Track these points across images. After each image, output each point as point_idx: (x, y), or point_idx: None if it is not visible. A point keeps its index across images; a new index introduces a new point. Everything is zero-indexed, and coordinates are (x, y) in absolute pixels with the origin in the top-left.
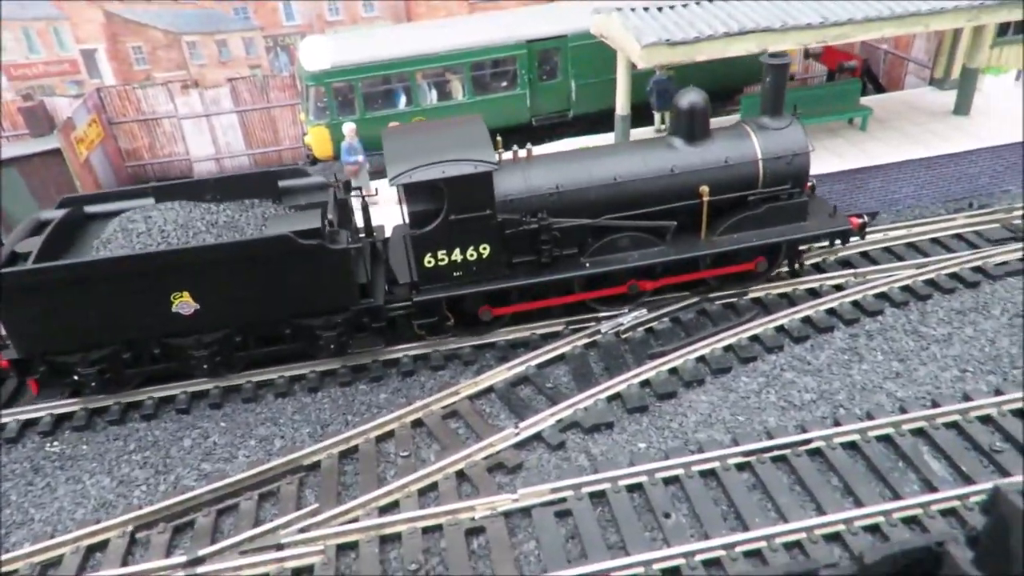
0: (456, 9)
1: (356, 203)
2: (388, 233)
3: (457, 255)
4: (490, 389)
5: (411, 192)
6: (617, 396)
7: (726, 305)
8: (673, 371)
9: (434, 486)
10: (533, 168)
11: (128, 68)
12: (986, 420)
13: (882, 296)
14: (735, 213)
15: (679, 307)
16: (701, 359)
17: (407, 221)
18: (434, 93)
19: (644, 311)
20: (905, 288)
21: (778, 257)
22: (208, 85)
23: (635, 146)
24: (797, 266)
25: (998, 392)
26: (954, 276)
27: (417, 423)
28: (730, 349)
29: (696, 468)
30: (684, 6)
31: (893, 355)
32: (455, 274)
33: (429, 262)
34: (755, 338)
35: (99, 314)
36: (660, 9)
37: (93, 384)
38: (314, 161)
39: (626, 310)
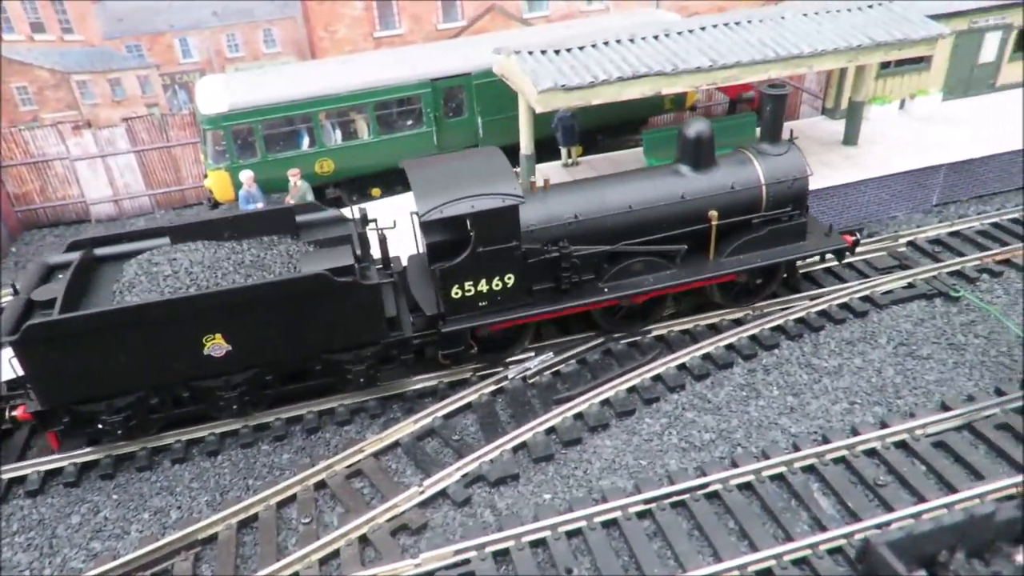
0: (362, 43)
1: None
2: (403, 263)
3: (483, 286)
4: (396, 444)
5: (433, 225)
6: (523, 445)
7: (630, 344)
8: (579, 416)
9: (336, 554)
10: (551, 198)
11: (13, 109)
12: (871, 453)
13: (778, 329)
14: (740, 235)
15: (585, 348)
16: (606, 402)
17: (423, 252)
18: (338, 133)
19: (551, 354)
20: (800, 320)
21: (777, 275)
22: (102, 125)
23: (646, 174)
24: (793, 281)
25: (883, 424)
26: (844, 307)
27: (320, 485)
28: (634, 391)
29: (598, 519)
30: (580, 49)
31: (788, 389)
32: (481, 304)
33: (456, 293)
34: (658, 378)
35: (127, 360)
36: (557, 52)
37: (119, 432)
38: (215, 204)
39: (532, 354)
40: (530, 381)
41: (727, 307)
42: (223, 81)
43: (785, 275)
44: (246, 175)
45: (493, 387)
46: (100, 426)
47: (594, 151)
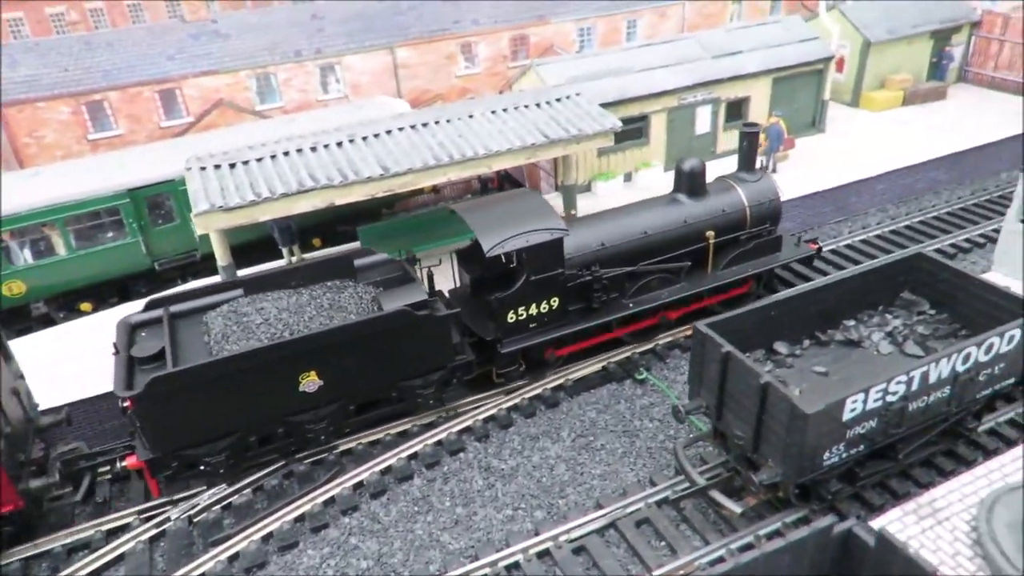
0: (76, 147)
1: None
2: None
3: (533, 309)
4: None
5: (471, 259)
6: None
7: (314, 462)
8: (234, 557)
9: None
10: (579, 229)
11: None
12: (515, 567)
13: (467, 431)
14: (731, 250)
15: (263, 474)
16: (269, 536)
17: (460, 284)
18: (27, 252)
19: (224, 486)
20: (489, 419)
21: (760, 281)
22: None
23: (653, 204)
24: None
25: (536, 532)
26: (537, 398)
27: None
28: (302, 519)
29: None
30: (259, 161)
31: (460, 499)
32: (531, 325)
33: (511, 318)
34: (331, 500)
35: (232, 403)
36: (232, 165)
37: (220, 472)
38: None
39: (204, 487)
40: (195, 520)
41: (719, 312)
42: None
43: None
44: None
45: (154, 530)
46: (202, 468)
47: (334, 242)
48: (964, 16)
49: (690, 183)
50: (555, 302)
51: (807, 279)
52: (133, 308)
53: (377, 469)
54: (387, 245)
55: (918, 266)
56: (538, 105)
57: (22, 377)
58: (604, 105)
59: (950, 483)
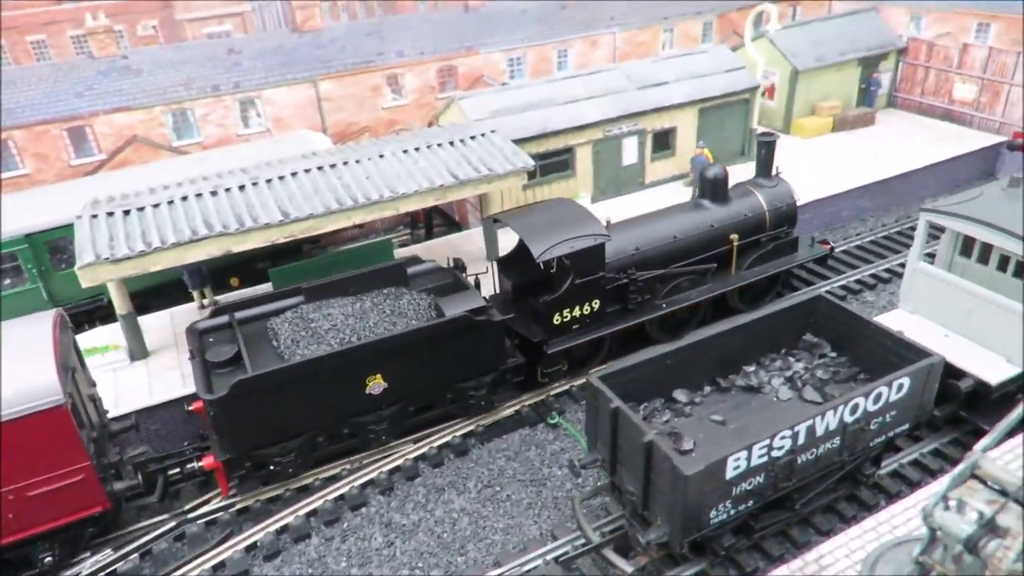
0: None
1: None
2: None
3: (577, 311)
4: None
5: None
6: None
7: (209, 522)
8: None
9: None
10: (615, 235)
11: None
12: None
13: (370, 484)
14: (752, 252)
15: (153, 537)
16: None
17: (500, 290)
18: None
19: (109, 551)
20: (395, 470)
21: (778, 281)
22: None
23: (680, 210)
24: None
25: None
26: (447, 446)
27: None
28: None
29: None
30: (155, 207)
31: (357, 558)
32: (574, 327)
33: (557, 320)
34: (221, 565)
35: (303, 405)
36: (127, 212)
37: (289, 471)
38: None
39: (88, 553)
40: None
41: (742, 310)
42: None
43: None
44: None
45: None
46: (272, 467)
47: (254, 281)
48: (891, 43)
49: (714, 189)
50: (596, 304)
51: (824, 277)
52: None
53: (273, 528)
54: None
55: (818, 308)
56: (451, 143)
57: (95, 385)
58: (528, 139)
59: (838, 538)
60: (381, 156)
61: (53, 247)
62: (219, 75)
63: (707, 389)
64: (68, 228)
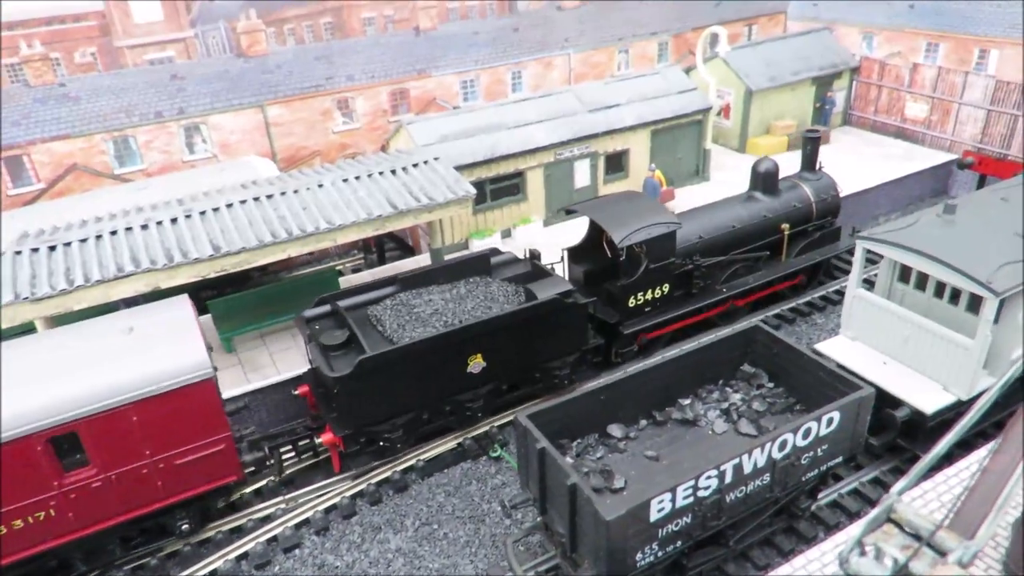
0: None
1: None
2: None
3: (650, 294)
4: None
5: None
6: None
7: (135, 567)
8: None
9: None
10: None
11: None
12: None
13: (305, 523)
14: (800, 241)
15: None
16: None
17: (570, 278)
18: None
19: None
20: (331, 508)
21: (820, 270)
22: None
23: (736, 201)
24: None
25: None
26: (386, 481)
27: None
28: None
29: None
30: (82, 242)
31: None
32: (646, 309)
33: (632, 303)
34: None
35: (412, 384)
36: (53, 248)
37: (397, 446)
38: None
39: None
40: None
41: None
42: None
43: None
44: None
45: None
46: (381, 443)
47: (200, 311)
48: (844, 63)
49: (765, 182)
50: (666, 288)
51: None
52: None
53: (201, 574)
54: (237, 320)
55: (755, 338)
56: (393, 172)
57: (216, 368)
58: (477, 163)
59: (781, 569)
60: (320, 186)
61: None
62: (162, 101)
63: (643, 423)
64: None
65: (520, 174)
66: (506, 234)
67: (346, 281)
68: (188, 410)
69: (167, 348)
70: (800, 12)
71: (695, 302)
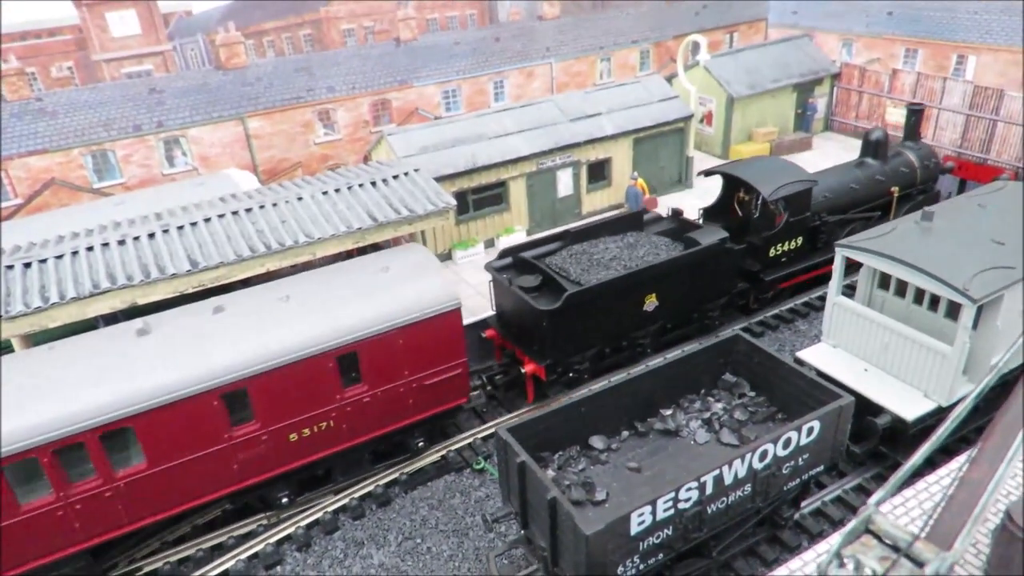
0: None
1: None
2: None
3: (788, 246)
4: None
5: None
6: None
7: None
8: None
9: None
10: None
11: None
12: None
13: (287, 539)
14: (905, 203)
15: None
16: None
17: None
18: None
19: None
20: (314, 524)
21: None
22: None
23: (851, 166)
24: None
25: None
26: (368, 496)
27: None
28: None
29: None
30: (58, 258)
31: None
32: (782, 260)
33: (772, 253)
34: None
35: (599, 320)
36: (28, 265)
37: (584, 377)
38: None
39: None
40: None
41: None
42: None
43: None
44: None
45: None
46: (571, 374)
47: None
48: (824, 69)
49: (875, 150)
50: (799, 240)
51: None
52: None
53: None
54: None
55: (736, 348)
56: (373, 184)
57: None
58: (459, 174)
59: None
60: (300, 199)
61: None
62: (141, 115)
63: (625, 434)
64: None
65: (502, 184)
66: (489, 244)
67: None
68: (439, 336)
69: (422, 283)
70: (780, 19)
71: (819, 256)
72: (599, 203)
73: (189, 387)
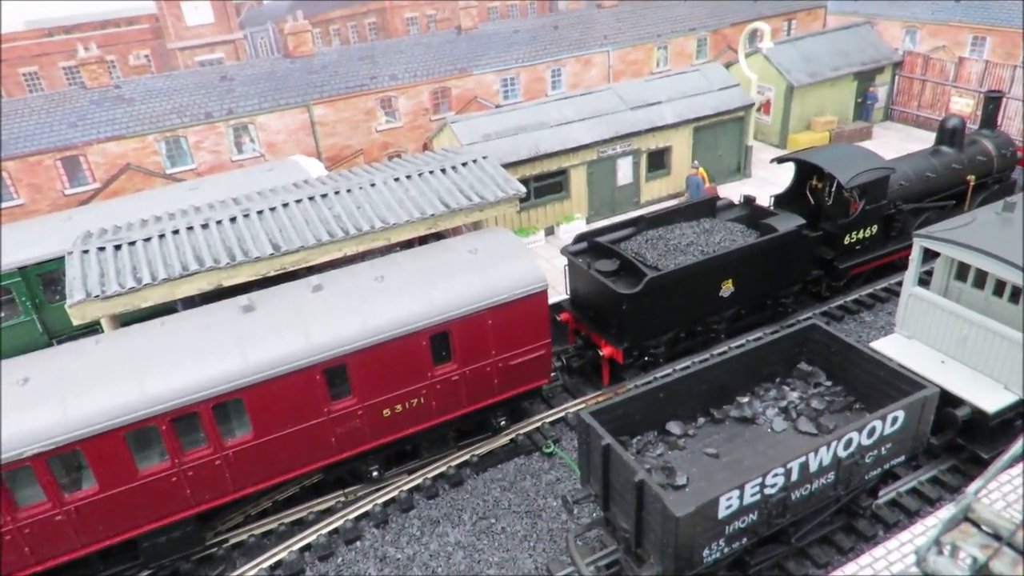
0: None
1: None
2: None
3: (863, 234)
4: None
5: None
6: None
7: (202, 559)
8: None
9: None
10: None
11: None
12: None
13: (364, 516)
14: (981, 192)
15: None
16: None
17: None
18: None
19: None
20: (391, 501)
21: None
22: None
23: (926, 154)
24: None
25: None
26: (441, 476)
27: None
28: None
29: None
30: (146, 241)
31: None
32: (857, 248)
33: (847, 240)
34: None
35: (677, 304)
36: (118, 247)
37: (660, 360)
38: None
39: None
40: None
41: None
42: None
43: None
44: None
45: None
46: (647, 358)
47: None
48: (886, 57)
49: (951, 137)
50: (875, 228)
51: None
52: None
53: (267, 564)
54: None
55: (812, 338)
56: (443, 171)
57: None
58: (520, 161)
59: (846, 567)
60: (373, 185)
61: (47, 280)
62: (212, 102)
63: (701, 421)
64: (60, 261)
65: (563, 172)
66: (549, 232)
67: None
68: (525, 317)
69: (510, 265)
70: (839, 7)
71: (892, 244)
72: (658, 192)
73: (294, 361)
